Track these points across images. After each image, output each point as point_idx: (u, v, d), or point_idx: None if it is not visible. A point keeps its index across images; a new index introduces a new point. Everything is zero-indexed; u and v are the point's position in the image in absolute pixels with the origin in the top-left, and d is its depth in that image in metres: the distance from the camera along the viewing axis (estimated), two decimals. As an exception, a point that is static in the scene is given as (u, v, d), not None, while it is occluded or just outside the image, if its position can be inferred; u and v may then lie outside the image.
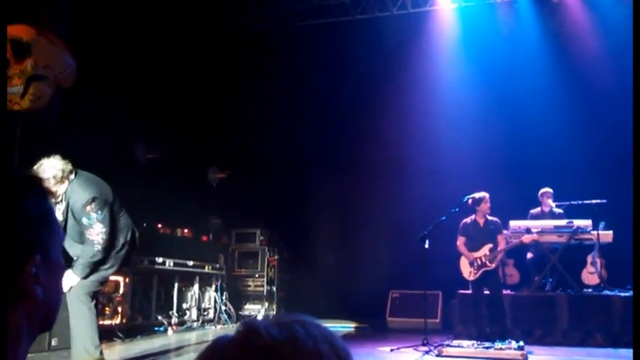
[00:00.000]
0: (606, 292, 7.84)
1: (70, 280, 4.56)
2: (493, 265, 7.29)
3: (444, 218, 7.20)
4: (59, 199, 4.59)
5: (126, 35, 8.34)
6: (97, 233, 4.54)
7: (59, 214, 4.61)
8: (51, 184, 4.42)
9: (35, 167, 4.43)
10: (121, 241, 4.82)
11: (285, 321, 0.81)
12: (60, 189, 4.54)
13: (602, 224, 7.98)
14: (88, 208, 4.52)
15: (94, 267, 4.63)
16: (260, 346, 0.76)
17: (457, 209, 7.30)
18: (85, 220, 4.53)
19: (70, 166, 4.58)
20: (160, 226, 8.82)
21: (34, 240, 0.91)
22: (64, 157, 4.63)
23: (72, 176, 4.60)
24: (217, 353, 0.79)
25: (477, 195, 7.40)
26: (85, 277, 4.60)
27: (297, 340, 0.77)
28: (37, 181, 0.96)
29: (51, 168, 4.45)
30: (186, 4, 9.64)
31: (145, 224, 8.18)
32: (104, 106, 7.87)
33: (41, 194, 0.95)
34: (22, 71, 6.02)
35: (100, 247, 4.57)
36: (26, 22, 6.13)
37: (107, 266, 4.75)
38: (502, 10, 10.18)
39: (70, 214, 4.60)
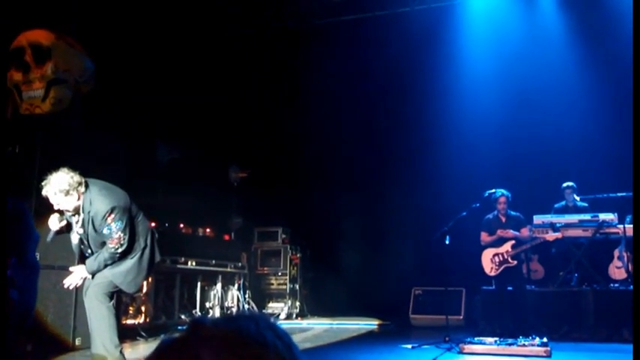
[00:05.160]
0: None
1: (80, 273, 4.65)
2: (515, 262, 7.24)
3: (464, 214, 7.13)
4: (76, 212, 4.60)
5: (146, 35, 8.41)
6: (118, 242, 4.59)
7: (78, 228, 4.66)
8: (60, 198, 4.43)
9: (43, 183, 4.42)
10: (142, 244, 4.85)
11: (232, 315, 0.85)
12: (72, 201, 4.49)
13: (629, 218, 7.81)
14: (109, 218, 4.53)
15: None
16: (205, 336, 0.78)
17: (478, 204, 7.23)
18: (105, 231, 4.56)
19: (78, 178, 4.49)
20: (181, 226, 8.89)
21: (11, 241, 0.92)
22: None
23: (82, 188, 4.52)
24: (164, 350, 0.79)
25: (493, 192, 7.38)
26: (93, 275, 4.68)
27: (241, 328, 0.80)
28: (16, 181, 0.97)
29: (57, 181, 4.40)
30: (207, 3, 9.68)
31: (166, 224, 8.27)
32: (125, 107, 7.96)
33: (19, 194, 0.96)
34: (42, 75, 6.14)
35: (117, 253, 4.63)
36: (45, 27, 6.23)
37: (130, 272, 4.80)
38: (522, 1, 10.01)
39: (90, 226, 4.60)
